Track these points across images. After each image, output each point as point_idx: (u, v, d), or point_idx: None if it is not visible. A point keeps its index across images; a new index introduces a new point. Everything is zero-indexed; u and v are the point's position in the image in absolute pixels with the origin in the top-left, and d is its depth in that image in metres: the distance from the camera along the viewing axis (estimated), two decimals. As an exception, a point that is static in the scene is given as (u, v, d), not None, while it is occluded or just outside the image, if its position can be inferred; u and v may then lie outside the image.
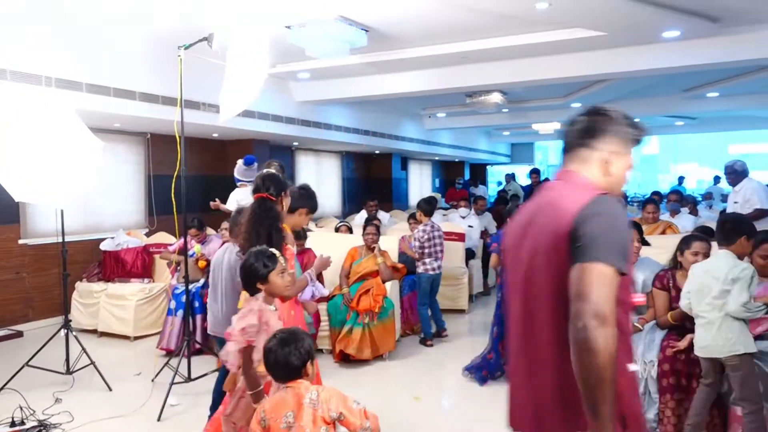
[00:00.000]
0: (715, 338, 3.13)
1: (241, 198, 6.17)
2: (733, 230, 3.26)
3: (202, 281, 5.62)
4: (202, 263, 5.64)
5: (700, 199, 13.27)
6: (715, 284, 3.17)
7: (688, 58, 6.50)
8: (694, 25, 5.81)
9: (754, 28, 6.00)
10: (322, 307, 5.49)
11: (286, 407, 2.15)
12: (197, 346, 5.30)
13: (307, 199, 3.47)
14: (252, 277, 2.59)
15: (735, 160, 6.18)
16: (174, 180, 4.47)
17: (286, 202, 3.20)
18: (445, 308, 6.63)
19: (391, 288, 5.62)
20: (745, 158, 6.76)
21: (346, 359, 5.26)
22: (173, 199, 4.52)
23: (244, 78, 3.79)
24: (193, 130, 8.08)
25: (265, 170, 3.32)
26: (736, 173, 6.00)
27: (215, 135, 8.92)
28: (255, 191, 3.11)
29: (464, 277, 7.12)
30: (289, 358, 2.17)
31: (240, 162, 6.44)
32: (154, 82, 6.52)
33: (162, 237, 7.09)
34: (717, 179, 16.07)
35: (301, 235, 5.73)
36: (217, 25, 4.65)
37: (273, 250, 2.67)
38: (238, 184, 6.51)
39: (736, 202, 5.94)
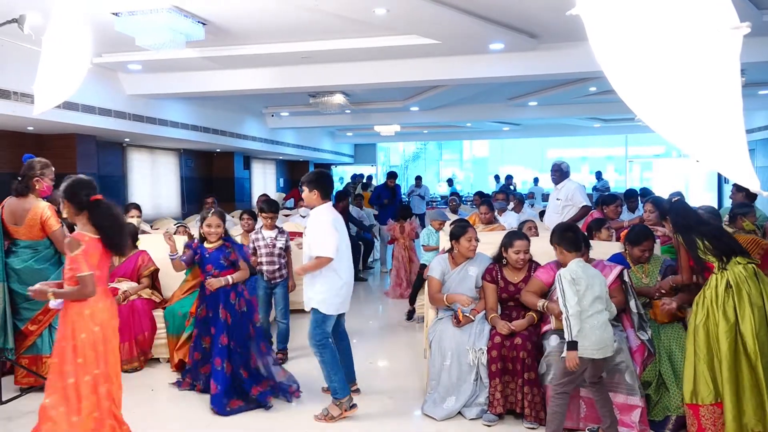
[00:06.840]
0: (610, 338, 3.34)
1: None
2: (583, 239, 3.68)
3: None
4: None
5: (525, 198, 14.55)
6: (597, 290, 3.38)
7: (510, 69, 7.11)
8: (516, 39, 6.37)
9: (567, 45, 6.70)
10: (159, 314, 5.17)
11: None
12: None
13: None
14: None
15: (561, 161, 6.73)
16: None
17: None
18: (294, 308, 6.42)
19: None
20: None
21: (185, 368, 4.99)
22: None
23: (63, 66, 3.43)
24: (3, 122, 7.20)
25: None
26: (561, 172, 6.60)
27: (30, 128, 8.01)
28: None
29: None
30: None
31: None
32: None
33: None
34: (536, 180, 17.77)
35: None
36: (29, 5, 4.18)
37: None
38: None
39: (558, 199, 6.48)
